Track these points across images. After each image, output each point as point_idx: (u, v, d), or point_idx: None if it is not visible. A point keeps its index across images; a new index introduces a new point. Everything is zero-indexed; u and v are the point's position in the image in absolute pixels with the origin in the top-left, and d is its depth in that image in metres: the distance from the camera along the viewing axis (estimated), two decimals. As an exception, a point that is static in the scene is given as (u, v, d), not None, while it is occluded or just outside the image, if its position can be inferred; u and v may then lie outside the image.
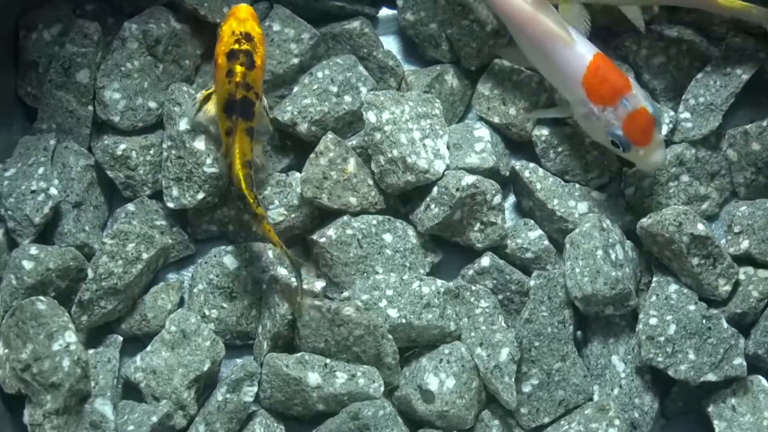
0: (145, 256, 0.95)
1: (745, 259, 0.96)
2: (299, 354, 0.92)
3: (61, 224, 0.98)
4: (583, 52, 0.92)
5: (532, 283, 0.94)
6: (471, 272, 0.97)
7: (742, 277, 0.95)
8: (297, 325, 0.93)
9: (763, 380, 0.92)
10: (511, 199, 1.03)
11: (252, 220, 0.92)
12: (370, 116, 0.96)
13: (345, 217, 0.97)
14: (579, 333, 0.97)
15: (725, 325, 0.92)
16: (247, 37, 0.92)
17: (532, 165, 0.99)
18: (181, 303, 1.00)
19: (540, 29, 0.93)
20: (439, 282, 0.95)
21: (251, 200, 0.90)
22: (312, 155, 0.97)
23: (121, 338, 0.97)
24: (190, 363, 0.93)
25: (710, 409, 0.92)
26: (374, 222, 0.97)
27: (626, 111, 0.90)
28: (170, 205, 0.97)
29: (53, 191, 0.96)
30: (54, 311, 0.92)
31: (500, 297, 0.96)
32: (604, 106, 0.91)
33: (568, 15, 0.95)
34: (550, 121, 1.02)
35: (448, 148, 0.98)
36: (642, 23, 0.97)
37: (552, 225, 0.99)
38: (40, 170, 0.97)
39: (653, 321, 0.92)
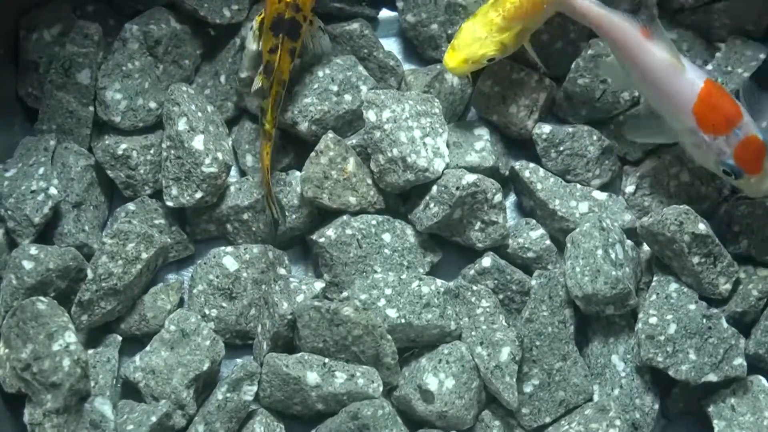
0: (144, 255, 0.95)
1: (744, 258, 0.96)
2: (299, 354, 0.92)
3: (61, 224, 0.98)
4: (694, 78, 0.89)
5: (533, 282, 0.94)
6: (472, 272, 0.97)
7: (742, 275, 0.95)
8: (296, 325, 0.93)
9: (763, 380, 0.92)
10: (512, 198, 1.03)
11: (260, 134, 0.96)
12: (371, 115, 0.96)
13: (344, 217, 0.97)
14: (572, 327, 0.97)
15: (725, 324, 0.92)
16: None
17: (532, 165, 0.99)
18: (180, 303, 0.99)
19: (650, 56, 0.90)
20: (438, 282, 0.94)
21: (270, 117, 0.95)
22: (312, 154, 0.97)
23: (120, 338, 0.97)
24: (189, 362, 0.93)
25: (710, 408, 0.92)
26: (374, 222, 0.97)
27: (738, 140, 0.88)
28: (169, 203, 0.97)
29: (53, 191, 0.96)
30: (54, 311, 0.92)
31: (501, 297, 0.96)
32: (716, 135, 0.89)
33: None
34: (551, 119, 1.02)
35: (447, 146, 0.98)
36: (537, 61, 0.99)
37: (554, 224, 0.99)
38: (40, 170, 0.97)
39: (653, 320, 0.92)
